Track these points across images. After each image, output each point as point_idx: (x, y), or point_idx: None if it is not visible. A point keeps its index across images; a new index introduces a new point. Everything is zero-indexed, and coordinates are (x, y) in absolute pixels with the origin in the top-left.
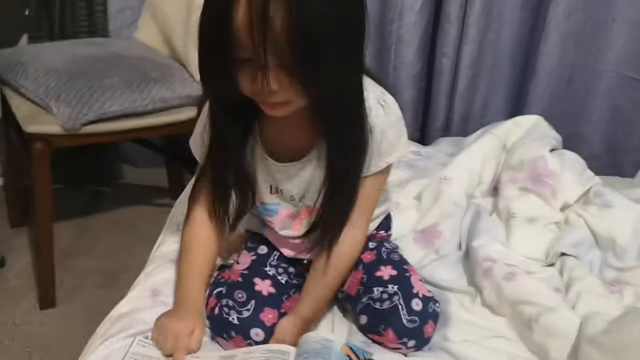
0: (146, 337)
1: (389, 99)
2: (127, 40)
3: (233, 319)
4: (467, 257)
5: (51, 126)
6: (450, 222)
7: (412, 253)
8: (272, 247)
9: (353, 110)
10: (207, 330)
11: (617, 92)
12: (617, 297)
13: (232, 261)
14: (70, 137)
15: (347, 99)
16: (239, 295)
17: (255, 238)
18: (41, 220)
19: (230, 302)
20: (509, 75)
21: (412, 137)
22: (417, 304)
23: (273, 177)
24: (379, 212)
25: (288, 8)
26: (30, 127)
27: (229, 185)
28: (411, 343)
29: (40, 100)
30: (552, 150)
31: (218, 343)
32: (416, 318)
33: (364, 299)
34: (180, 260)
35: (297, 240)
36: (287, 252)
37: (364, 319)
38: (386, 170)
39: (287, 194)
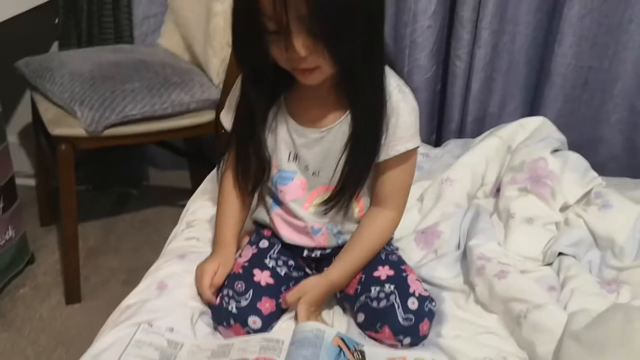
0: (150, 325)
1: (407, 89)
2: (150, 47)
3: (232, 308)
4: (465, 256)
5: (75, 129)
6: (450, 223)
7: (412, 254)
8: (273, 242)
9: (375, 77)
10: (210, 320)
11: (636, 93)
12: (614, 296)
13: (237, 256)
14: (94, 140)
15: (371, 63)
16: (239, 286)
17: (259, 234)
18: (66, 219)
19: (230, 292)
20: (524, 78)
21: (427, 140)
22: (413, 303)
23: (293, 143)
24: None
25: None
26: (56, 130)
27: (250, 153)
28: (407, 340)
29: (66, 105)
30: (555, 151)
31: (219, 332)
32: (412, 316)
33: (362, 298)
34: (215, 219)
35: (302, 224)
36: (289, 237)
37: (361, 317)
38: (410, 157)
39: (303, 163)
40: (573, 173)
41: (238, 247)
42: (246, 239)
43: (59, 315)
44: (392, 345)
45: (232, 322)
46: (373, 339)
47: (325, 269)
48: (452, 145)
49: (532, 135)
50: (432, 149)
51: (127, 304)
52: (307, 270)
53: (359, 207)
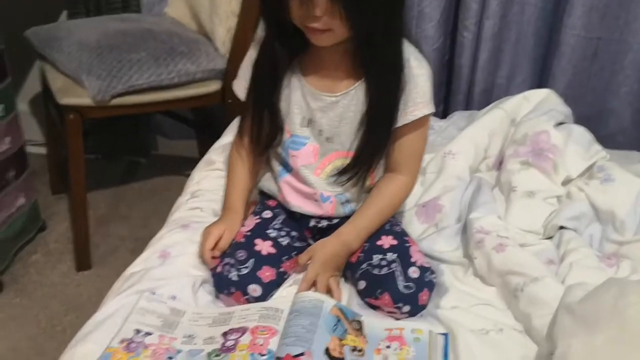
0: (153, 293)
1: (423, 58)
2: (157, 16)
3: (233, 276)
4: (465, 229)
5: (83, 98)
6: (451, 196)
7: (414, 227)
8: (277, 213)
9: (393, 47)
10: (211, 288)
11: None
12: (613, 270)
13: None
14: (101, 109)
15: (389, 34)
16: (240, 254)
17: (263, 204)
18: (75, 188)
19: (232, 261)
20: (533, 49)
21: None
22: (414, 272)
23: (308, 107)
24: None
25: None
26: (64, 100)
27: (263, 116)
28: (406, 308)
29: (73, 74)
30: (559, 124)
31: (220, 300)
32: (412, 285)
33: (364, 266)
34: (226, 184)
35: (311, 190)
36: (296, 204)
37: (362, 284)
38: (425, 122)
39: (317, 128)
40: (576, 146)
41: (245, 216)
42: (251, 209)
43: (70, 281)
44: (390, 313)
45: (232, 289)
46: (372, 307)
47: None
48: (457, 117)
49: (536, 108)
50: (437, 121)
51: (131, 272)
52: (311, 241)
53: (371, 176)
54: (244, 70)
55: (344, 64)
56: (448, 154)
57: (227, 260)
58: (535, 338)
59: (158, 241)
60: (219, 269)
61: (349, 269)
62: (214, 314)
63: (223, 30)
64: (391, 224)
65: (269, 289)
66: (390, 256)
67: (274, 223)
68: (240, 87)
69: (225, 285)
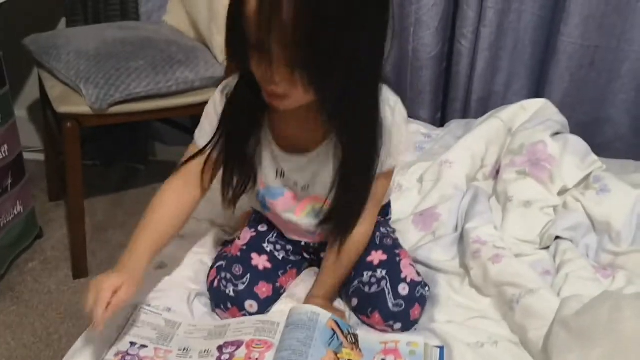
0: (148, 305)
1: (393, 98)
2: (156, 24)
3: (229, 291)
4: (462, 239)
5: (81, 107)
6: (448, 205)
7: (410, 235)
8: (272, 225)
9: (366, 103)
10: (208, 302)
11: None
12: (609, 281)
13: (236, 237)
14: (99, 117)
15: (360, 92)
16: (236, 269)
17: (258, 216)
18: (72, 195)
19: (228, 276)
20: (530, 57)
21: (431, 118)
22: (403, 289)
23: (279, 165)
24: (384, 203)
25: (300, 4)
26: (62, 108)
27: (233, 167)
28: (397, 325)
29: (71, 82)
30: (556, 134)
31: (217, 314)
32: (402, 302)
33: (355, 283)
34: (142, 219)
35: (296, 226)
36: (290, 235)
37: (354, 302)
38: (393, 169)
39: (291, 180)
40: (573, 156)
41: (235, 231)
42: (246, 221)
43: (67, 289)
44: (383, 331)
45: (229, 305)
46: (366, 325)
47: (323, 253)
48: (455, 125)
49: (532, 117)
50: (434, 130)
51: None
52: (305, 255)
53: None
54: (206, 118)
55: (311, 121)
56: (445, 162)
57: (223, 275)
58: (531, 351)
59: None
60: (215, 284)
61: (343, 286)
62: (209, 326)
63: (222, 38)
64: (381, 236)
65: (266, 304)
66: (380, 273)
67: (269, 237)
68: (203, 133)
69: (222, 301)
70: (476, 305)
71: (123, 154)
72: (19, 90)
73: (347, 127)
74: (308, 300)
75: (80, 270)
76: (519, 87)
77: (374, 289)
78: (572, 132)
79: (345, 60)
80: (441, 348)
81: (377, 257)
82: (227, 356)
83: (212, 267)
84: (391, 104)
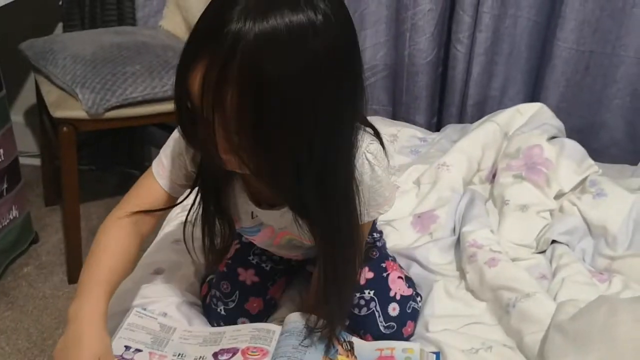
0: (144, 309)
1: (373, 148)
2: (152, 29)
3: (220, 310)
4: (459, 242)
5: (77, 111)
6: (446, 208)
7: (408, 235)
8: None
9: (332, 191)
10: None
11: (638, 78)
12: (605, 286)
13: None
14: (95, 122)
15: (322, 182)
16: (224, 286)
17: None
18: (68, 200)
19: (217, 293)
20: (526, 62)
21: (427, 123)
22: (394, 309)
23: (255, 211)
24: None
25: (244, 91)
26: (58, 113)
27: (212, 220)
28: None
29: (67, 87)
30: (552, 138)
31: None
32: (393, 324)
33: None
34: (91, 258)
35: (278, 250)
36: (274, 254)
37: (346, 321)
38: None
39: (267, 224)
40: (569, 160)
41: None
42: None
43: (62, 294)
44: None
45: (221, 323)
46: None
47: (309, 267)
48: (450, 130)
49: (528, 121)
50: (430, 134)
51: (123, 289)
52: (294, 263)
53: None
54: (171, 158)
55: None
56: (442, 165)
57: (212, 292)
58: (527, 355)
59: (149, 258)
60: (207, 300)
61: None
62: (205, 332)
63: None
64: (366, 248)
65: (258, 319)
66: (368, 294)
67: (254, 248)
68: (164, 174)
69: (215, 319)
70: (470, 311)
71: (119, 159)
72: (15, 95)
73: (312, 209)
74: (303, 307)
75: (76, 275)
76: (515, 92)
77: (364, 311)
78: (568, 137)
79: (299, 148)
80: (437, 354)
81: (363, 275)
82: None
83: (203, 281)
84: (369, 158)
